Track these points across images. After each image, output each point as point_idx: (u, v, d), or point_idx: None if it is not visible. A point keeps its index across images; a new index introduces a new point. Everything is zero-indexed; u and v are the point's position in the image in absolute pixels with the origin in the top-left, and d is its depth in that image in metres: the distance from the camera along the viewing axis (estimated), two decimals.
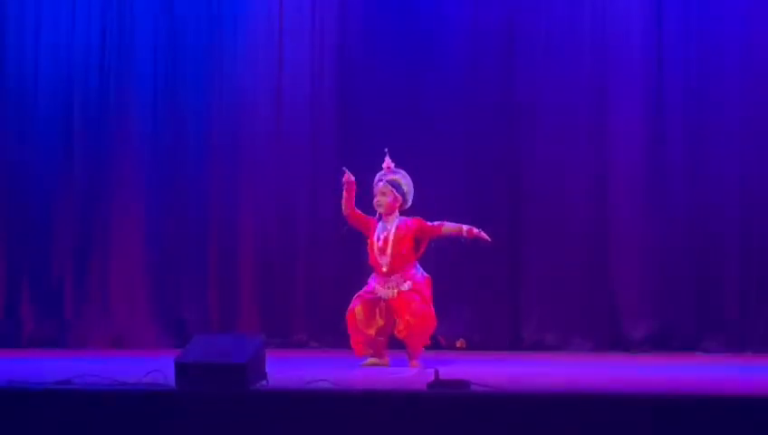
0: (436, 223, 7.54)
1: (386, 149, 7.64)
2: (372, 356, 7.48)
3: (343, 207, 7.63)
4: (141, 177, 9.87)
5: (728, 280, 9.23)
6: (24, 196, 9.87)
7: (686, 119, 9.33)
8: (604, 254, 9.41)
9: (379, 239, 7.49)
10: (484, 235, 7.51)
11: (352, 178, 7.56)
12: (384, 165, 7.65)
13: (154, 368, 5.48)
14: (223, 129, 9.84)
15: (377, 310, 7.44)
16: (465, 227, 7.50)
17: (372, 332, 7.43)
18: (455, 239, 7.59)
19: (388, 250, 7.45)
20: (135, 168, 9.86)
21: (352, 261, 9.41)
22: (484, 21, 9.62)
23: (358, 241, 9.33)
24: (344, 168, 7.63)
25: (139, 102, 9.87)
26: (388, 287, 7.44)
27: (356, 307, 7.46)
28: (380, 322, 7.43)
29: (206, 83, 9.86)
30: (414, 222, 7.52)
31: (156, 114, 9.89)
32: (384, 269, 7.44)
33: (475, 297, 9.51)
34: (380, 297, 7.44)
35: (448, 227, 7.52)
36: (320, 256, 9.75)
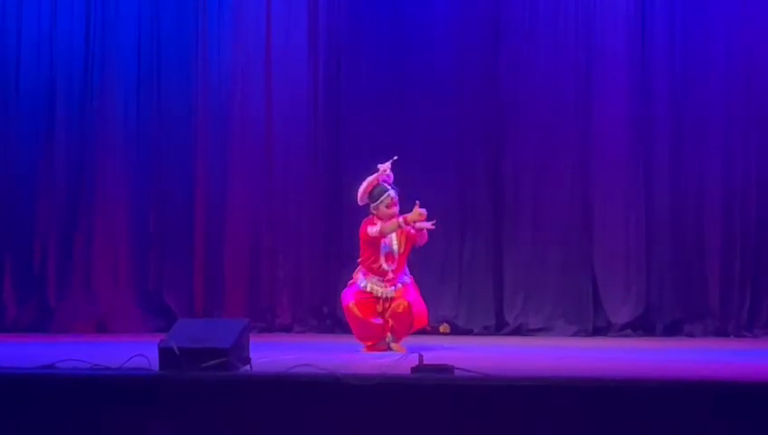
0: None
1: (395, 157, 7.56)
2: (372, 344, 7.50)
3: (390, 231, 7.40)
4: (125, 162, 9.85)
5: (710, 266, 9.27)
6: (6, 181, 9.83)
7: (670, 108, 9.38)
8: (587, 239, 9.45)
9: (385, 247, 7.50)
10: (417, 225, 7.39)
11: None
12: (389, 171, 7.54)
13: (138, 353, 5.47)
14: (208, 115, 9.83)
15: (375, 302, 7.48)
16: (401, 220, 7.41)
17: (374, 317, 7.44)
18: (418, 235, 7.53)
19: (396, 257, 7.50)
20: (119, 154, 9.85)
21: (336, 247, 9.44)
22: (471, 11, 9.63)
23: (340, 229, 9.36)
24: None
25: (123, 88, 9.86)
26: (389, 286, 7.49)
27: (351, 303, 7.46)
28: (379, 310, 7.46)
29: (192, 67, 9.85)
30: (407, 226, 7.49)
31: (140, 100, 9.88)
32: (390, 275, 7.49)
33: (459, 282, 9.54)
34: (380, 297, 7.47)
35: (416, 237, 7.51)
36: (304, 242, 9.76)
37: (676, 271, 9.33)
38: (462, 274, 9.57)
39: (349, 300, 7.49)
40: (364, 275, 7.55)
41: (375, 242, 7.49)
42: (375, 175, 7.53)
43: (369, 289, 7.50)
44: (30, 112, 9.85)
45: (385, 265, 7.50)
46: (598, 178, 9.46)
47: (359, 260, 7.63)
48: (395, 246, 7.51)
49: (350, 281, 7.64)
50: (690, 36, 9.37)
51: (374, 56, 9.73)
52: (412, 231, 7.45)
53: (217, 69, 9.86)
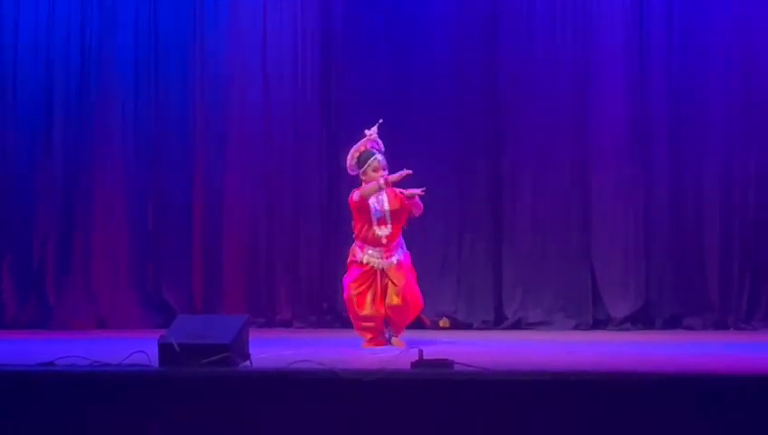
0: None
1: (380, 121, 7.52)
2: (372, 338, 7.48)
3: (370, 194, 7.38)
4: (124, 159, 9.85)
5: (709, 259, 9.28)
6: (4, 180, 9.82)
7: (668, 104, 9.38)
8: (586, 234, 9.45)
9: (376, 211, 7.43)
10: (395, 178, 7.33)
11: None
12: (375, 136, 7.52)
13: (138, 349, 5.47)
14: (206, 111, 9.83)
15: (372, 283, 7.42)
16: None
17: (372, 310, 7.40)
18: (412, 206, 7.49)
19: (389, 220, 7.42)
20: (117, 151, 9.85)
21: (335, 241, 9.43)
22: (468, 8, 9.62)
23: (339, 225, 9.36)
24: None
25: (120, 84, 9.85)
26: (386, 257, 7.41)
27: (351, 295, 7.42)
28: (377, 293, 7.40)
29: (189, 64, 9.85)
30: (399, 192, 7.46)
31: (138, 96, 9.87)
32: (384, 241, 7.41)
33: (458, 277, 9.54)
34: (375, 268, 7.42)
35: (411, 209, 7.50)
36: (303, 237, 9.75)
37: (676, 265, 9.33)
38: (461, 268, 9.56)
39: (348, 291, 7.47)
40: (360, 248, 7.48)
41: (364, 208, 7.42)
42: (362, 141, 7.49)
43: (365, 261, 7.44)
44: (28, 110, 9.84)
45: (378, 231, 7.41)
46: (596, 173, 9.45)
47: (354, 235, 7.57)
48: (386, 206, 7.41)
49: (349, 259, 7.56)
50: (688, 32, 9.36)
51: (371, 53, 9.72)
52: (398, 192, 7.37)
53: (214, 65, 9.85)
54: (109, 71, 9.84)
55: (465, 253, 9.56)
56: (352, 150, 7.49)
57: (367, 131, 7.51)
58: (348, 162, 7.50)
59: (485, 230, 9.56)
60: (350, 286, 7.45)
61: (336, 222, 9.52)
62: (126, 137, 9.85)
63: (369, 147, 7.48)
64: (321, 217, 9.73)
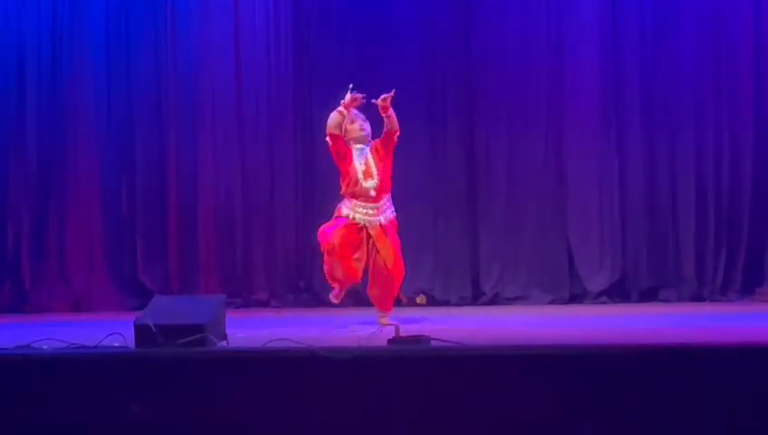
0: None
1: (351, 85, 7.37)
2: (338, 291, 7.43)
3: (334, 126, 7.26)
4: (97, 143, 9.81)
5: (684, 232, 9.34)
6: None
7: (641, 78, 9.41)
8: (562, 208, 9.48)
9: (361, 164, 7.31)
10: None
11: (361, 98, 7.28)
12: (351, 100, 7.33)
13: (114, 331, 5.45)
14: (179, 92, 9.80)
15: (359, 240, 7.27)
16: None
17: (352, 263, 7.27)
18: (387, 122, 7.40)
19: (374, 172, 7.28)
20: (90, 134, 9.81)
21: (311, 221, 9.41)
22: None
23: (314, 204, 9.36)
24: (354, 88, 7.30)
25: (92, 68, 9.81)
26: (375, 214, 7.29)
27: (335, 241, 7.21)
28: (363, 253, 7.29)
29: (161, 45, 9.81)
30: (377, 141, 7.38)
31: (110, 79, 9.83)
32: (373, 193, 7.26)
33: (435, 254, 9.55)
34: (360, 224, 7.29)
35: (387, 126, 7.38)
36: (278, 217, 9.75)
37: (651, 238, 9.38)
38: (438, 245, 9.58)
39: (330, 238, 7.22)
40: (347, 204, 7.33)
41: (346, 156, 7.29)
42: (336, 110, 7.37)
43: (350, 216, 7.28)
44: None
45: (365, 183, 7.27)
46: (571, 148, 9.49)
47: (341, 192, 7.41)
48: (370, 159, 7.30)
49: (335, 215, 7.39)
50: (661, 8, 9.40)
51: (343, 30, 9.70)
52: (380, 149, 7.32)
53: (185, 45, 9.80)
54: (80, 52, 9.79)
55: (441, 229, 9.58)
56: (328, 121, 7.35)
57: (342, 102, 7.46)
58: (328, 132, 7.33)
59: (461, 207, 9.57)
60: (334, 233, 7.22)
61: (312, 202, 9.52)
62: (99, 119, 9.81)
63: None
64: (296, 197, 9.72)
